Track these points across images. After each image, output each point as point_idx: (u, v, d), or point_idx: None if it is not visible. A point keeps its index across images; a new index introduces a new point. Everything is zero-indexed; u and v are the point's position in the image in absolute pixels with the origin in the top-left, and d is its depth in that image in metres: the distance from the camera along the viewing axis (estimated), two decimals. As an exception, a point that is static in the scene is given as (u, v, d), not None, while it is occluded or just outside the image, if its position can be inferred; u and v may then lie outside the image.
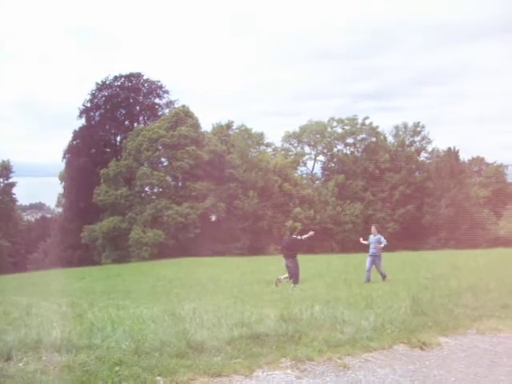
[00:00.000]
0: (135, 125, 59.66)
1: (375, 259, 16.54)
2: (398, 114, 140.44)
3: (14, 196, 62.31)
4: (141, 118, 62.31)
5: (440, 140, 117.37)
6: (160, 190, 54.76)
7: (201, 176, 52.35)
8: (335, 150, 66.61)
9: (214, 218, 56.43)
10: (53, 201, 76.07)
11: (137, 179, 52.48)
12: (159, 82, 61.17)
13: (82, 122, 59.58)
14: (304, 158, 67.63)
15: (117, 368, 5.09)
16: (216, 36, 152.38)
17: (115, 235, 51.04)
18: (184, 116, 53.99)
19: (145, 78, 61.09)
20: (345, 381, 5.47)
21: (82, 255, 52.95)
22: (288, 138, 67.56)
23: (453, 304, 9.25)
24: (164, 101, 61.87)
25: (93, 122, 59.95)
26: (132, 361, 5.33)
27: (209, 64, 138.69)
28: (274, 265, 26.59)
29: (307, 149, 67.75)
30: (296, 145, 68.04)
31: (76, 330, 6.34)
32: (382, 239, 16.77)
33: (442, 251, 34.66)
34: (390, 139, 67.27)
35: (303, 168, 68.14)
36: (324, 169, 68.23)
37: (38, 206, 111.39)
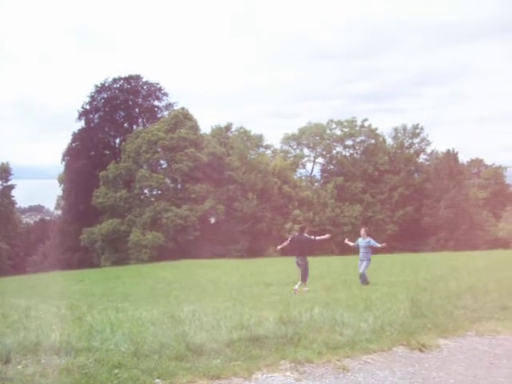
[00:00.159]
0: (134, 127, 59.66)
1: (364, 262, 16.31)
2: (398, 115, 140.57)
3: (13, 198, 62.17)
4: (140, 121, 62.34)
5: (439, 142, 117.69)
6: (159, 192, 54.80)
7: (200, 178, 52.36)
8: (334, 152, 66.70)
9: (213, 220, 56.43)
10: (52, 203, 76.34)
11: (136, 181, 52.48)
12: (158, 84, 61.31)
13: (82, 124, 59.71)
14: (303, 160, 67.73)
15: (116, 371, 5.09)
16: (215, 37, 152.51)
17: (114, 237, 51.02)
18: (183, 118, 54.00)
19: (144, 80, 61.18)
20: (344, 383, 5.47)
21: (81, 258, 52.88)
22: (287, 140, 67.62)
23: (452, 306, 9.26)
24: (163, 103, 62.02)
25: (92, 125, 59.95)
26: (131, 363, 5.32)
27: (207, 66, 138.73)
28: (274, 267, 26.66)
29: (306, 151, 67.94)
30: (295, 147, 68.15)
31: (75, 333, 6.32)
32: (373, 242, 16.59)
33: (441, 253, 34.65)
34: (389, 141, 67.54)
35: (302, 170, 68.37)
36: (323, 171, 68.28)
37: (37, 209, 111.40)
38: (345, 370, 5.80)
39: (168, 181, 54.61)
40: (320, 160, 67.99)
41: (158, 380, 5.04)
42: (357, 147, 66.57)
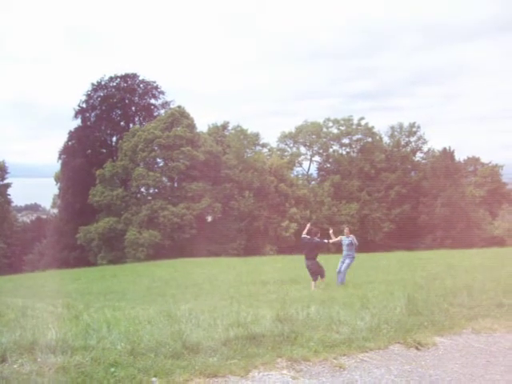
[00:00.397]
0: (131, 125, 59.48)
1: (346, 260, 16.22)
2: (394, 113, 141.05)
3: (9, 197, 62.06)
4: (136, 119, 62.21)
5: (436, 140, 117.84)
6: (156, 190, 54.76)
7: (196, 176, 52.32)
8: (331, 150, 66.74)
9: (209, 218, 56.36)
10: (48, 202, 76.19)
11: (132, 180, 52.42)
12: (155, 82, 61.28)
13: (78, 122, 59.67)
14: (300, 159, 67.72)
15: (112, 369, 5.09)
16: (212, 36, 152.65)
17: (111, 236, 50.96)
18: (180, 116, 53.93)
19: (140, 78, 61.10)
20: (340, 381, 5.47)
21: (77, 256, 52.79)
22: (284, 138, 67.64)
23: (448, 304, 9.26)
24: (160, 101, 61.98)
25: (88, 123, 59.86)
26: (128, 362, 5.32)
27: (204, 64, 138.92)
28: (270, 265, 26.66)
29: (303, 149, 67.96)
30: (292, 145, 68.18)
31: (71, 332, 6.32)
32: (355, 240, 16.50)
33: (438, 251, 34.67)
34: (386, 139, 67.56)
35: (299, 168, 68.33)
36: (320, 169, 68.29)
37: (34, 207, 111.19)
38: (341, 368, 5.80)
39: (165, 179, 54.61)
40: (317, 158, 68.11)
41: (154, 378, 5.03)
42: (353, 145, 66.61)
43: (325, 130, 66.15)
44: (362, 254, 37.56)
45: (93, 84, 59.64)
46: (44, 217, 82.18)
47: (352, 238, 16.40)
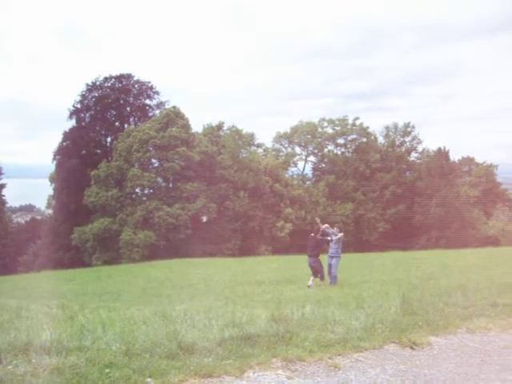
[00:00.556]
0: (126, 126, 59.37)
1: (333, 260, 16.22)
2: (389, 113, 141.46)
3: (3, 198, 61.94)
4: (131, 119, 62.11)
5: (430, 140, 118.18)
6: (151, 191, 54.64)
7: (191, 177, 52.25)
8: (326, 150, 66.78)
9: (204, 218, 56.28)
10: (43, 202, 75.96)
11: (127, 180, 52.28)
12: (150, 83, 61.18)
13: (73, 123, 59.47)
14: (295, 159, 67.72)
15: (107, 370, 5.08)
16: (207, 36, 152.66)
17: (106, 237, 50.83)
18: (174, 117, 53.84)
19: (135, 78, 61.03)
20: (336, 381, 5.48)
21: (72, 257, 52.63)
22: (279, 138, 67.66)
23: (443, 303, 9.28)
24: (154, 102, 61.87)
25: (83, 123, 59.72)
26: (122, 362, 5.31)
27: (199, 64, 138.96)
28: (265, 265, 26.65)
29: (298, 149, 67.98)
30: (287, 145, 68.18)
31: (66, 333, 6.30)
32: (340, 234, 16.46)
33: (433, 250, 34.78)
34: (381, 139, 67.63)
35: (294, 168, 68.34)
36: (315, 169, 68.31)
37: (28, 208, 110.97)
38: (336, 367, 5.81)
39: (159, 180, 54.48)
40: (312, 158, 68.14)
41: (149, 379, 5.03)
42: (348, 145, 66.69)
43: (320, 130, 66.19)
44: (357, 253, 37.75)
45: (87, 84, 59.62)
46: (39, 217, 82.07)
47: (340, 235, 16.46)
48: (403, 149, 66.61)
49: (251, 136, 60.80)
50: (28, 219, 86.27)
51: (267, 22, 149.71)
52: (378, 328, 7.27)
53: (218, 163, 55.02)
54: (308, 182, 67.39)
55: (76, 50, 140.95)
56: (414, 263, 22.73)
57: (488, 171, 64.09)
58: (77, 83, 69.23)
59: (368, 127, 65.70)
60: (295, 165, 68.09)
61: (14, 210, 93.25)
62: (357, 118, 65.77)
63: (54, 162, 58.89)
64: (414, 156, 67.94)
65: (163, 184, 55.35)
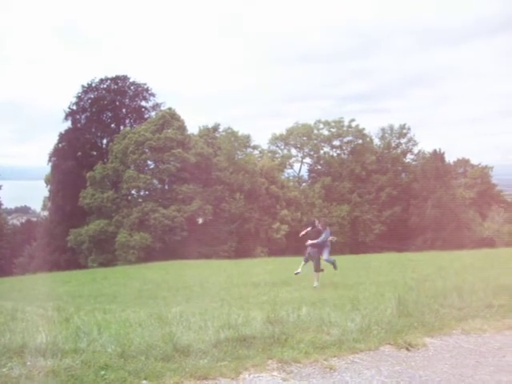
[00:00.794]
0: (121, 128, 59.38)
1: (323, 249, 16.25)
2: (385, 115, 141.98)
3: (-2, 199, 61.85)
4: (127, 121, 62.07)
5: (426, 142, 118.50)
6: (146, 192, 54.67)
7: (187, 179, 52.26)
8: (322, 152, 66.94)
9: (200, 220, 56.25)
10: (38, 204, 75.89)
11: (123, 182, 52.27)
12: (145, 84, 61.19)
13: (68, 124, 59.35)
14: (291, 161, 67.87)
15: (102, 372, 5.07)
16: (203, 38, 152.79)
17: (102, 239, 50.77)
18: (170, 119, 53.87)
19: (131, 80, 61.03)
20: (331, 382, 5.48)
21: (68, 259, 52.54)
22: (275, 140, 67.76)
23: (438, 304, 9.28)
24: (150, 103, 61.88)
25: (79, 125, 59.64)
26: (118, 364, 5.30)
27: (195, 66, 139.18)
28: (261, 267, 26.61)
29: (294, 151, 68.17)
30: (283, 147, 68.34)
31: (62, 335, 6.29)
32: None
33: (428, 252, 34.75)
34: (377, 141, 67.81)
35: (290, 170, 68.54)
36: (311, 171, 68.43)
37: (24, 210, 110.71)
38: (332, 369, 5.81)
39: (155, 181, 54.49)
40: (307, 160, 68.33)
41: (144, 381, 5.02)
42: (344, 147, 66.82)
43: (316, 131, 66.32)
44: (353, 255, 37.78)
45: (83, 86, 59.57)
46: (34, 219, 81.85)
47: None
48: (399, 151, 66.80)
49: (247, 138, 60.88)
50: (23, 221, 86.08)
51: (263, 24, 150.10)
52: (373, 329, 7.27)
53: (214, 165, 55.06)
54: (304, 184, 67.51)
55: (74, 51, 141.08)
56: (409, 265, 22.72)
57: (483, 173, 64.33)
58: (74, 85, 69.32)
59: (364, 129, 65.99)
60: (291, 167, 68.35)
61: (10, 212, 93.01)
62: (353, 120, 66.04)
63: (50, 164, 58.86)
64: (409, 158, 68.29)
65: (159, 186, 55.39)
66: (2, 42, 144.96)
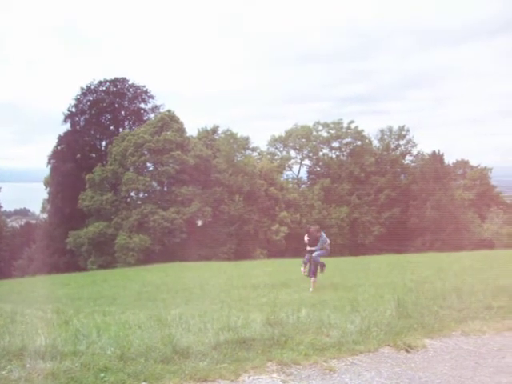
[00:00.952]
0: (120, 130, 59.31)
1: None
2: (384, 117, 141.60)
3: (-3, 202, 61.81)
4: (126, 123, 62.04)
5: (425, 143, 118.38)
6: (146, 195, 54.56)
7: (186, 181, 52.23)
8: (321, 153, 66.86)
9: (200, 222, 56.19)
10: (38, 207, 75.72)
11: (122, 184, 52.22)
12: (144, 86, 61.19)
13: (67, 126, 59.31)
14: (290, 162, 67.78)
15: (102, 374, 5.07)
16: (202, 39, 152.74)
17: (101, 241, 50.71)
18: (169, 121, 53.85)
19: (130, 82, 61.01)
20: (331, 384, 5.48)
21: (67, 261, 52.50)
22: (274, 142, 67.70)
23: (438, 306, 9.28)
24: (149, 106, 61.82)
25: (78, 127, 59.60)
26: (117, 367, 5.30)
27: (194, 68, 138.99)
28: (260, 269, 26.62)
29: (293, 153, 68.03)
30: (282, 149, 68.24)
31: (61, 337, 6.28)
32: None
33: (428, 253, 34.78)
34: (376, 143, 67.75)
35: (289, 172, 68.42)
36: (310, 173, 68.33)
37: (23, 212, 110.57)
38: (331, 371, 5.81)
39: (154, 183, 54.46)
40: (306, 162, 68.21)
41: (144, 383, 5.02)
42: (343, 149, 66.76)
43: (315, 133, 66.27)
44: (352, 257, 37.77)
45: (82, 88, 59.58)
46: (33, 222, 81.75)
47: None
48: (398, 152, 66.73)
49: (246, 139, 60.82)
50: (23, 223, 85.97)
51: (263, 25, 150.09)
52: (373, 331, 7.27)
53: (213, 167, 55.01)
54: (303, 186, 67.44)
55: (71, 53, 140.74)
56: (409, 266, 22.72)
57: (482, 174, 64.28)
58: (73, 87, 69.30)
59: (363, 130, 65.89)
60: (290, 168, 68.25)
61: (9, 214, 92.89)
62: (352, 122, 65.97)
63: (49, 166, 58.81)
64: (408, 159, 68.17)
65: (158, 188, 55.33)
66: (2, 42, 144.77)
